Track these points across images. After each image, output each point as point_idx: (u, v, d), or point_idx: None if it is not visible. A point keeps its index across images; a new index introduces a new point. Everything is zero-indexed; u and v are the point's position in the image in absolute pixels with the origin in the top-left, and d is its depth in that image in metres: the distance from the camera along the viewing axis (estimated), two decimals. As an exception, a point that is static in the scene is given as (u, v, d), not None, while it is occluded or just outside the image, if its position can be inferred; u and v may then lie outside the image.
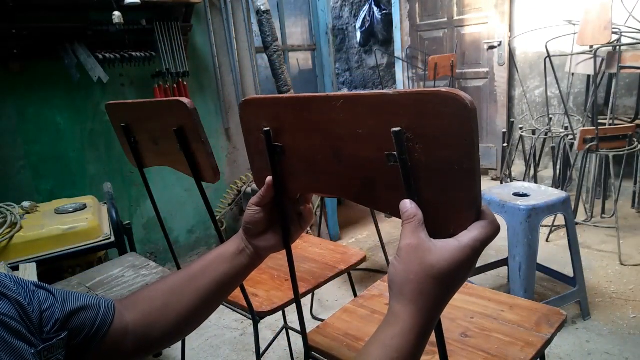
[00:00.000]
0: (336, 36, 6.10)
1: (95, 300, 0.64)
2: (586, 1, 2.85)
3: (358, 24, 5.71)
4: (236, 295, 1.13)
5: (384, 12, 5.33)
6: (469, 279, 2.18)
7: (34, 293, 0.57)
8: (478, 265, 2.31)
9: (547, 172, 3.75)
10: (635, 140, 2.61)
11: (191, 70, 2.69)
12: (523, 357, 0.87)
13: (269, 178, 0.71)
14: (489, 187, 2.12)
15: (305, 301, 2.13)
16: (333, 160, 0.65)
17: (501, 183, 3.67)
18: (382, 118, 0.55)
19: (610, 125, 2.85)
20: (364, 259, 1.43)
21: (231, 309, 1.24)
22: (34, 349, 0.50)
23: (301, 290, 1.23)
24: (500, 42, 3.92)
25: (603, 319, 2.00)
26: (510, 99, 4.04)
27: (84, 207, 1.79)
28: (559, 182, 3.30)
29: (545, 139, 3.50)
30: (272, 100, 0.71)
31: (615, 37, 2.85)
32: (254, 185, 2.86)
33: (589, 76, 3.28)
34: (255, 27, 2.88)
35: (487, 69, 4.12)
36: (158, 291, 0.70)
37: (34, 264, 1.36)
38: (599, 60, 2.76)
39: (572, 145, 3.17)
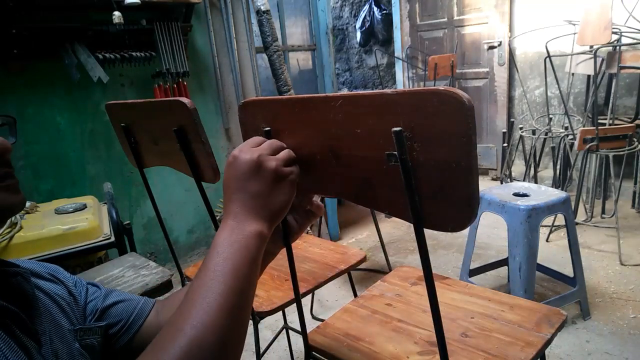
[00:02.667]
0: (336, 36, 6.09)
1: (135, 297, 0.72)
2: (586, 1, 2.85)
3: (358, 24, 5.71)
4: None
5: (384, 12, 5.33)
6: (469, 278, 2.18)
7: (84, 287, 0.69)
8: (478, 265, 2.32)
9: (547, 172, 3.75)
10: (635, 140, 2.61)
11: (191, 70, 2.69)
12: (523, 357, 0.87)
13: None
14: (489, 187, 2.11)
15: (305, 301, 2.13)
16: (332, 160, 0.65)
17: (501, 183, 3.67)
18: (381, 118, 0.55)
19: (610, 125, 2.85)
20: (364, 259, 1.43)
21: (231, 309, 1.24)
22: (72, 327, 0.61)
23: (301, 290, 1.23)
24: (500, 42, 3.92)
25: (603, 319, 2.00)
26: (510, 99, 4.04)
27: (84, 207, 1.79)
28: (559, 182, 3.30)
29: (545, 139, 3.49)
30: (271, 102, 0.71)
31: (615, 37, 2.84)
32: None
33: (589, 76, 3.28)
34: (255, 27, 2.88)
35: (487, 69, 4.12)
36: (185, 293, 0.73)
37: (34, 264, 1.35)
38: (599, 60, 2.76)
39: (572, 145, 3.17)
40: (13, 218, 1.61)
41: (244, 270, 0.52)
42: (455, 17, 4.24)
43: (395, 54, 4.79)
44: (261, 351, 1.82)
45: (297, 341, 1.98)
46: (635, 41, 2.92)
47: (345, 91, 5.99)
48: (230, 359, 0.47)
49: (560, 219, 2.80)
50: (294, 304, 1.03)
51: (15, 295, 0.54)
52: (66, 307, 0.62)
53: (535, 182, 3.26)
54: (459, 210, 0.52)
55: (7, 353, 0.45)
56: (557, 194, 1.93)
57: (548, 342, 0.92)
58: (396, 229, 3.26)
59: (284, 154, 0.63)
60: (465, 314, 1.03)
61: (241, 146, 0.61)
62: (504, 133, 3.64)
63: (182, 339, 0.45)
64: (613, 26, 2.70)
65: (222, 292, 0.48)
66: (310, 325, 1.11)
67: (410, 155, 0.53)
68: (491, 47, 4.01)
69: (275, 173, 0.59)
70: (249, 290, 0.52)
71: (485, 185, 3.22)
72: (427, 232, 0.58)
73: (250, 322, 1.17)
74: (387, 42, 5.51)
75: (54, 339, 0.56)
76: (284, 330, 1.95)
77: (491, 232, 2.96)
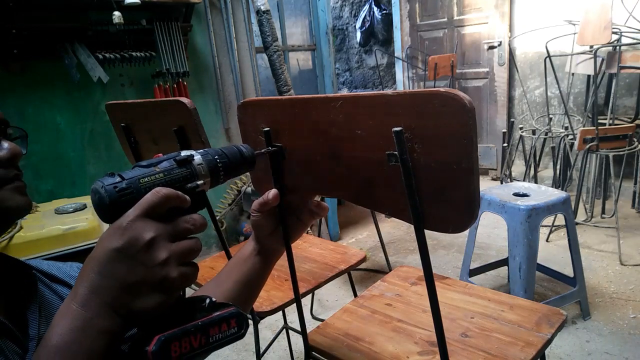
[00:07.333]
0: (336, 36, 6.09)
1: None
2: (586, 1, 2.85)
3: (358, 24, 5.71)
4: (236, 295, 1.13)
5: (384, 12, 5.33)
6: (469, 278, 2.18)
7: None
8: (478, 265, 2.32)
9: (547, 172, 3.75)
10: (635, 140, 2.61)
11: (191, 70, 2.69)
12: (523, 357, 0.87)
13: (275, 191, 0.70)
14: (489, 187, 2.11)
15: (305, 301, 2.13)
16: (332, 160, 0.65)
17: (501, 183, 3.67)
18: (381, 119, 0.55)
19: (610, 125, 2.85)
20: (364, 259, 1.43)
21: (231, 309, 1.24)
22: None
23: (301, 290, 1.23)
24: (500, 42, 3.92)
25: (603, 319, 2.00)
26: (510, 99, 4.04)
27: (84, 207, 1.79)
28: (559, 182, 3.30)
29: (545, 139, 3.49)
30: (271, 102, 0.71)
31: (615, 37, 2.84)
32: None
33: (589, 76, 3.28)
34: (255, 27, 2.88)
35: (487, 69, 4.12)
36: None
37: (34, 264, 1.35)
38: (599, 60, 2.76)
39: (572, 145, 3.17)
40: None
41: None
42: (455, 17, 4.24)
43: (395, 54, 4.79)
44: (261, 351, 1.83)
45: (297, 341, 1.98)
46: (635, 41, 2.92)
47: (345, 91, 5.99)
48: None
49: (560, 219, 2.80)
50: (294, 304, 1.03)
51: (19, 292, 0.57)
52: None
53: (535, 182, 3.26)
54: (460, 212, 0.52)
55: None
56: (557, 194, 1.93)
57: (548, 342, 0.92)
58: (396, 229, 3.25)
59: (187, 245, 0.46)
60: (465, 314, 1.03)
61: (138, 210, 0.44)
62: (504, 133, 3.64)
63: None
64: (613, 26, 2.70)
65: None
66: (310, 325, 1.12)
67: (411, 156, 0.53)
68: (491, 47, 4.01)
69: (161, 268, 0.43)
70: None
71: (485, 185, 3.22)
72: (427, 232, 0.58)
73: (251, 322, 1.17)
74: (387, 42, 5.51)
75: None
76: (284, 330, 1.95)
77: (491, 232, 2.96)
